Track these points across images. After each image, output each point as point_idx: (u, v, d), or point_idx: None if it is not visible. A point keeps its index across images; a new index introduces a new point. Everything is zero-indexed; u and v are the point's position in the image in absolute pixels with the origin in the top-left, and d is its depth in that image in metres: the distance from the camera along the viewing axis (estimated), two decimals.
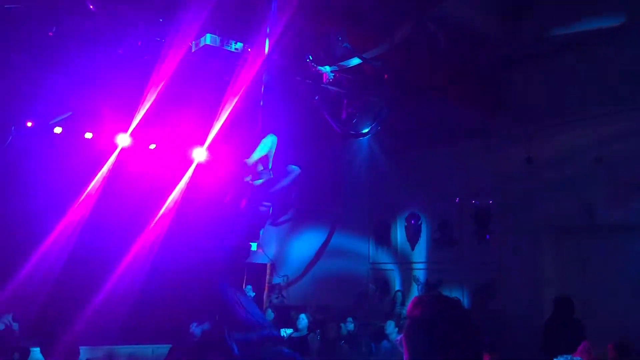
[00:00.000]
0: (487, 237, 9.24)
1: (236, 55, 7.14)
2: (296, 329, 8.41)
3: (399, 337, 1.57)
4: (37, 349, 7.92)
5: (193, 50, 7.20)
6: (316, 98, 8.43)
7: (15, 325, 7.72)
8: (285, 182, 4.86)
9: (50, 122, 8.71)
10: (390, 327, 8.16)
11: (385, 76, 8.40)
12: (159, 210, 11.00)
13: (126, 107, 9.24)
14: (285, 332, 8.74)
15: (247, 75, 8.58)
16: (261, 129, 5.23)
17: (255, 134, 5.46)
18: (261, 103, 5.45)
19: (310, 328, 8.52)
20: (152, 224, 11.00)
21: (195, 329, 9.91)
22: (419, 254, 10.39)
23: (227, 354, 8.74)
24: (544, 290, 8.31)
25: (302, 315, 8.56)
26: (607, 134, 7.79)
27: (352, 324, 8.93)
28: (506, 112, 9.04)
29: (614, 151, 7.70)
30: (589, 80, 8.05)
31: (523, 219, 8.67)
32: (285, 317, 10.00)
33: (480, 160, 9.39)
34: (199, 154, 11.16)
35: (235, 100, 9.15)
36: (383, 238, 11.18)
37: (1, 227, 9.89)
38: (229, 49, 6.86)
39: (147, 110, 9.41)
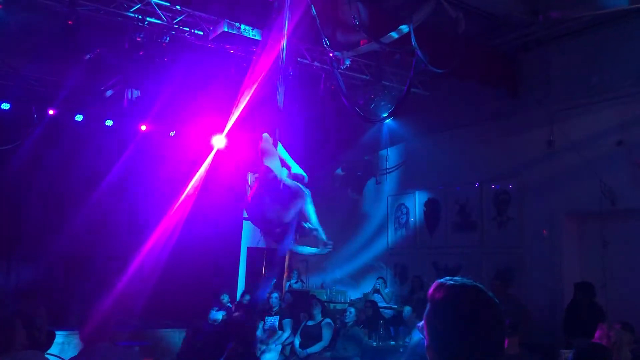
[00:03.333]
0: (507, 221, 9.19)
1: (254, 41, 7.15)
2: (311, 316, 8.49)
3: (420, 323, 1.57)
4: (62, 333, 8.13)
5: (211, 37, 7.23)
6: (333, 84, 8.41)
7: (42, 310, 7.89)
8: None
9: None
10: (408, 313, 8.19)
11: (402, 60, 8.36)
12: (180, 196, 11.10)
13: (147, 94, 9.32)
14: (305, 316, 8.84)
15: (265, 62, 8.61)
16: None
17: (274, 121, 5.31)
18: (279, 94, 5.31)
19: (325, 314, 8.59)
20: (174, 209, 11.10)
21: (216, 314, 10.07)
22: (438, 239, 10.37)
23: (245, 342, 8.86)
24: (564, 275, 8.26)
25: (316, 302, 8.64)
26: (629, 117, 7.67)
27: (371, 309, 8.98)
28: (527, 94, 8.95)
29: (636, 134, 7.59)
30: (611, 62, 7.92)
31: (543, 202, 8.60)
32: (304, 301, 10.09)
33: (501, 144, 9.30)
34: (219, 141, 11.22)
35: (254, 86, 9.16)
36: (401, 223, 11.18)
37: (26, 212, 10.09)
38: (246, 35, 6.86)
39: (167, 97, 9.49)
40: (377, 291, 10.51)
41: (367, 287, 11.13)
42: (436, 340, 1.51)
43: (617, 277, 7.69)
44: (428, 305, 1.55)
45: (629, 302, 7.33)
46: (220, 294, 10.42)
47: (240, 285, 12.25)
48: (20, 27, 8.37)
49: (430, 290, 1.55)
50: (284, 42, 5.03)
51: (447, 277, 1.56)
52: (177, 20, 7.40)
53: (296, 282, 12.17)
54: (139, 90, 8.72)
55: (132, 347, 7.41)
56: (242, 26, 6.89)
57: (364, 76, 9.21)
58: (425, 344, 1.54)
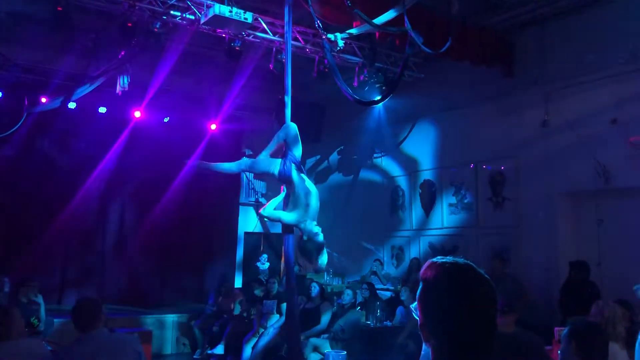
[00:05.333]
0: (503, 202, 9.22)
1: (246, 24, 7.09)
2: (309, 298, 8.54)
3: (414, 304, 1.58)
4: (61, 320, 8.16)
5: (202, 21, 7.17)
6: (326, 67, 8.37)
7: (40, 298, 7.93)
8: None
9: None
10: (406, 294, 8.25)
11: (397, 42, 8.31)
12: (174, 181, 11.09)
13: (139, 80, 9.26)
14: (303, 299, 8.89)
15: (258, 45, 8.56)
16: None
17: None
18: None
19: (323, 296, 8.64)
20: (169, 195, 11.09)
21: (215, 297, 10.12)
22: (434, 220, 10.40)
23: (245, 324, 8.91)
24: (560, 254, 8.31)
25: (314, 284, 8.69)
26: (624, 95, 7.67)
27: (368, 291, 9.04)
28: (521, 74, 8.91)
29: (630, 112, 7.59)
30: (606, 40, 7.89)
31: (538, 182, 8.63)
32: (302, 285, 10.14)
33: (496, 124, 9.29)
34: (212, 126, 11.19)
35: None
36: (398, 205, 11.20)
37: (19, 200, 10.06)
38: (238, 18, 6.80)
39: (160, 83, 9.43)
40: (374, 273, 10.57)
41: (364, 269, 11.19)
42: (429, 318, 1.52)
43: (611, 255, 7.74)
44: (420, 285, 1.56)
45: (623, 280, 7.38)
46: (222, 280, 10.50)
47: (238, 271, 12.29)
48: (10, 14, 8.30)
49: (422, 269, 1.56)
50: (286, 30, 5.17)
51: (439, 257, 1.57)
52: (168, 5, 7.33)
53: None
54: (129, 76, 8.66)
55: (132, 333, 7.44)
56: (234, 9, 6.82)
57: (358, 58, 9.16)
58: (419, 323, 1.55)
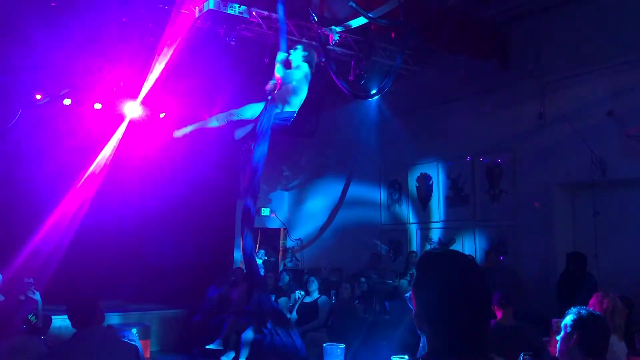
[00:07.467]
0: (500, 194, 9.23)
1: (240, 18, 7.07)
2: (307, 293, 8.55)
3: (408, 294, 1.60)
4: (60, 317, 8.13)
5: (197, 16, 7.14)
6: (322, 60, 8.34)
7: (37, 295, 7.90)
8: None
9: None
10: (404, 286, 8.26)
11: (392, 35, 8.30)
12: (170, 177, 11.05)
13: (134, 76, 9.23)
14: (301, 293, 8.90)
15: (253, 39, 8.53)
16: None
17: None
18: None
19: (321, 290, 8.65)
20: (164, 191, 11.04)
21: (213, 292, 10.13)
22: (431, 213, 10.41)
23: (242, 316, 8.91)
24: (557, 246, 8.33)
25: (312, 278, 8.70)
26: (619, 87, 7.67)
27: (366, 285, 9.05)
28: (517, 66, 8.91)
29: (626, 104, 7.59)
30: (601, 32, 7.89)
31: (535, 175, 8.64)
32: (300, 279, 10.16)
33: (492, 117, 9.30)
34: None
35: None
36: (395, 199, 11.21)
37: (13, 197, 10.02)
38: (232, 12, 6.78)
39: (156, 78, 9.38)
40: (372, 267, 10.57)
41: (362, 263, 11.19)
42: (422, 306, 1.54)
43: (608, 247, 7.76)
44: (415, 274, 1.58)
45: (619, 271, 7.41)
46: (214, 274, 10.46)
47: (236, 266, 12.29)
48: (2, 10, 8.24)
49: (418, 259, 1.59)
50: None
51: (433, 247, 1.59)
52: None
53: (290, 261, 12.23)
54: (124, 72, 8.64)
55: (130, 329, 7.44)
56: (229, 4, 6.80)
57: (353, 52, 9.14)
58: (413, 312, 1.57)
